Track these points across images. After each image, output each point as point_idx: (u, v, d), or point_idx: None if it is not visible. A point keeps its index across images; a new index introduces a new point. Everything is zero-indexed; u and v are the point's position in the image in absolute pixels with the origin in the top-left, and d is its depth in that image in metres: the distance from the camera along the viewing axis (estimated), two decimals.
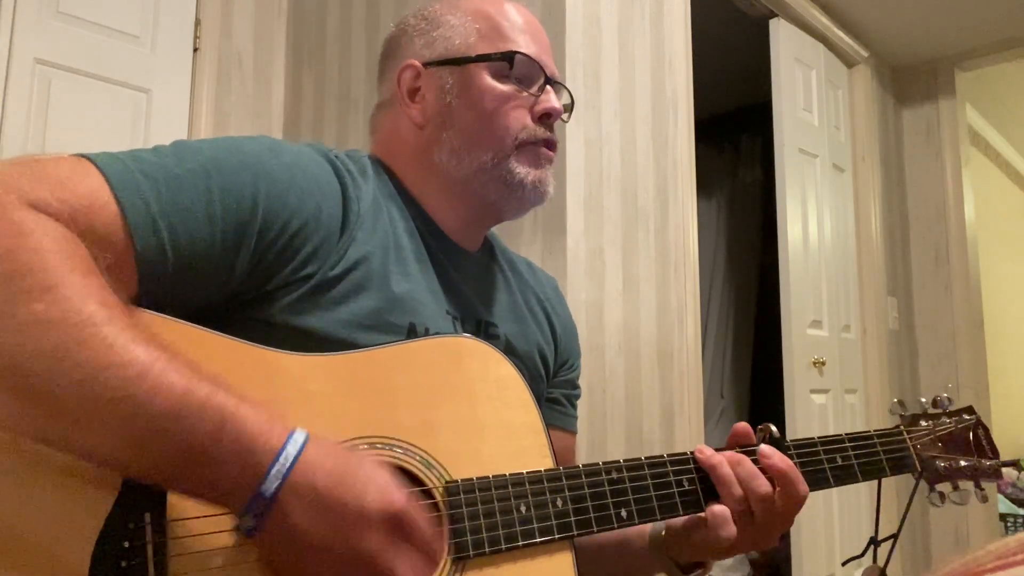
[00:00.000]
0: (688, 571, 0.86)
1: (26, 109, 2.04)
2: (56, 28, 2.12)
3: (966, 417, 0.98)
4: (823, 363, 2.94)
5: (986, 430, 0.98)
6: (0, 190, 0.58)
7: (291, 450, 0.58)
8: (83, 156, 0.65)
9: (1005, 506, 3.92)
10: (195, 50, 2.40)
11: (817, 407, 2.91)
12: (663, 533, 0.86)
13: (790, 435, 1.20)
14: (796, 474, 0.80)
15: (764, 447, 0.82)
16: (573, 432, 1.02)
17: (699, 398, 2.24)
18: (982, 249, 3.75)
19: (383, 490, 0.60)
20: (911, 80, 3.77)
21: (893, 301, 3.50)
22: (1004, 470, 0.96)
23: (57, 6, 2.13)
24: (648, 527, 0.88)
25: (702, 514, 0.80)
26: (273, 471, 0.57)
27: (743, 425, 0.86)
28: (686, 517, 0.83)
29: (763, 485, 0.79)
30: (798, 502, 0.80)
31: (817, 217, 3.07)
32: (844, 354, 3.13)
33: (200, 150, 0.70)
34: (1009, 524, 3.85)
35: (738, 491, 0.79)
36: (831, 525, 2.87)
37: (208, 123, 2.38)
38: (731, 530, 0.78)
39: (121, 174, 0.64)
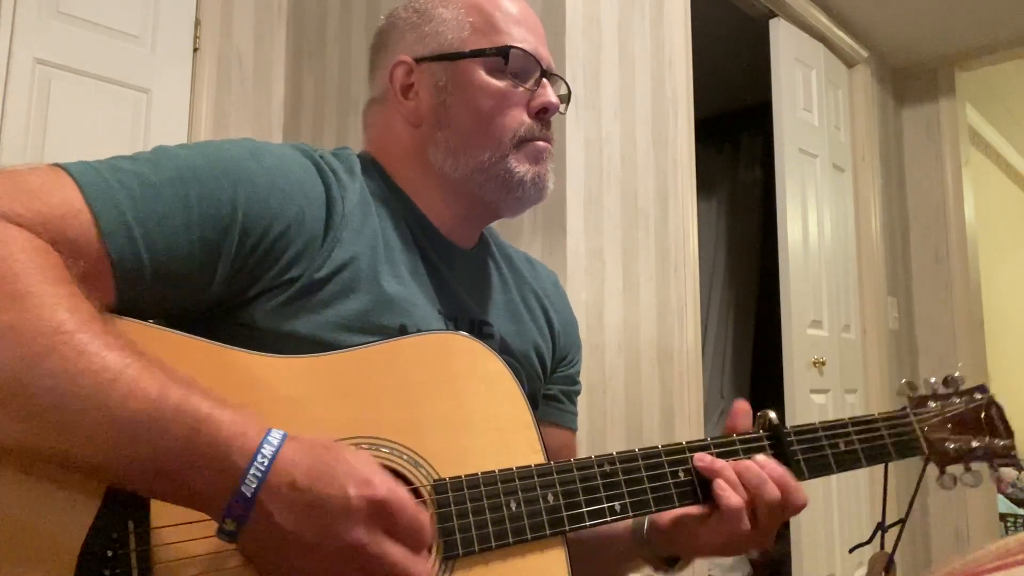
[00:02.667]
0: (671, 563, 0.85)
1: (26, 109, 2.04)
2: (56, 28, 2.12)
3: (977, 396, 0.95)
4: (823, 363, 2.94)
5: (1000, 409, 0.94)
6: None
7: (267, 450, 0.57)
8: (58, 166, 0.64)
9: (1005, 506, 3.91)
10: (195, 50, 2.40)
11: (817, 407, 2.91)
12: (645, 526, 0.85)
13: None
14: (794, 483, 0.79)
15: (760, 457, 0.80)
16: (572, 429, 1.00)
17: (699, 398, 2.23)
18: (982, 249, 3.75)
19: (364, 480, 0.58)
20: (911, 80, 3.77)
21: (893, 301, 3.50)
22: (1004, 470, 0.94)
23: (57, 6, 2.13)
24: (630, 521, 0.86)
25: (696, 510, 0.79)
26: (250, 473, 0.56)
27: (742, 405, 0.84)
28: (674, 515, 0.82)
29: (772, 491, 0.77)
30: (797, 509, 0.79)
31: (817, 217, 3.07)
32: (844, 354, 3.13)
33: (179, 156, 0.70)
34: (1009, 524, 3.85)
35: (744, 495, 0.77)
36: (831, 524, 2.87)
37: (208, 123, 2.38)
38: (746, 525, 0.76)
39: (95, 183, 0.64)
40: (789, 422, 2.92)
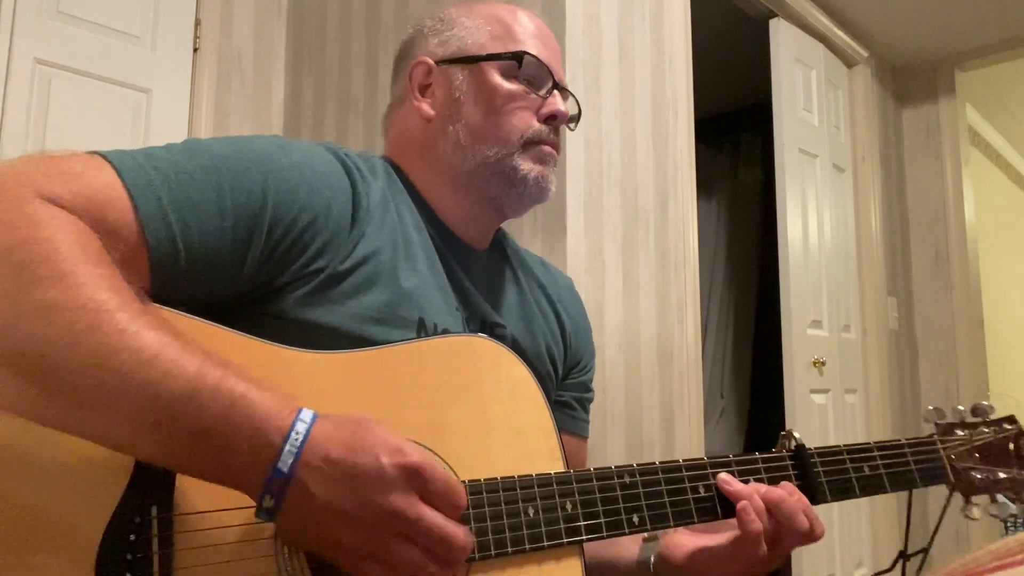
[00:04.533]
0: None
1: (26, 109, 2.04)
2: (56, 28, 2.12)
3: (1007, 427, 0.94)
4: (823, 363, 2.94)
5: None
6: (15, 183, 0.60)
7: (301, 427, 0.58)
8: (96, 153, 0.66)
9: None
10: (195, 50, 2.40)
11: (817, 407, 2.91)
12: (652, 560, 0.85)
13: None
14: (813, 514, 0.79)
15: (787, 485, 0.80)
16: (584, 437, 1.01)
17: (699, 398, 2.23)
18: (982, 249, 3.75)
19: (396, 448, 0.60)
20: (911, 80, 3.77)
21: (893, 301, 3.50)
22: None
23: (57, 6, 2.13)
24: (636, 552, 0.87)
25: (712, 543, 0.80)
26: (286, 449, 0.57)
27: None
28: (688, 549, 0.82)
29: (803, 522, 0.77)
30: (815, 540, 0.80)
31: (817, 217, 3.07)
32: (844, 354, 3.13)
33: (211, 147, 0.72)
34: (1009, 524, 3.84)
35: (768, 523, 0.77)
36: (831, 525, 2.87)
37: (208, 123, 2.38)
38: (764, 549, 0.77)
39: (133, 169, 0.65)
40: (789, 422, 2.91)
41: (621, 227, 2.03)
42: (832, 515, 2.88)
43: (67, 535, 0.56)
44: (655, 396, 2.08)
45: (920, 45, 3.58)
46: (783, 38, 2.99)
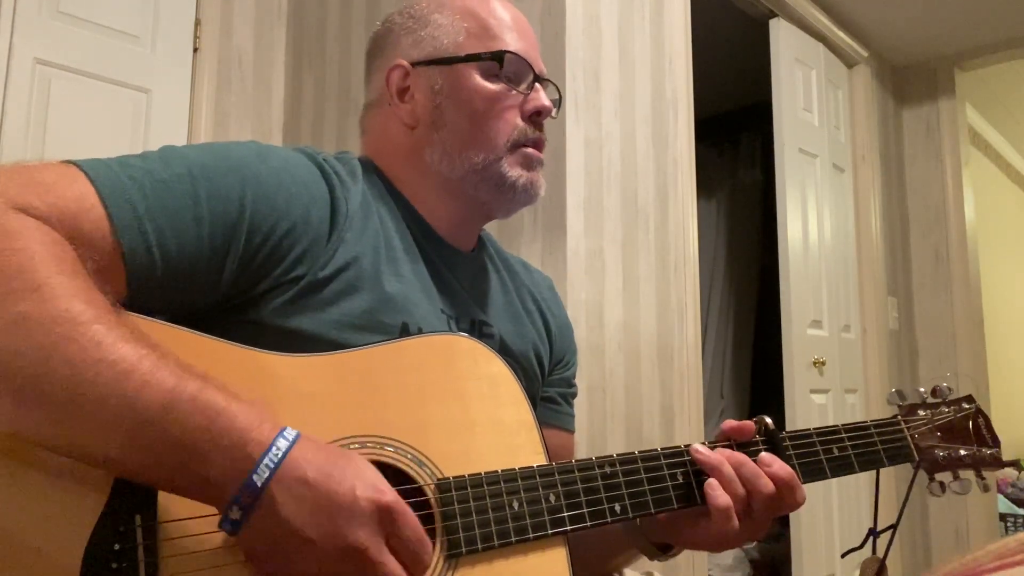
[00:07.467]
0: (665, 550, 0.86)
1: (26, 109, 2.04)
2: (56, 28, 2.12)
3: (965, 406, 0.97)
4: (823, 363, 2.94)
5: (986, 419, 0.97)
6: None
7: (282, 443, 0.58)
8: (70, 162, 0.65)
9: (1005, 506, 3.91)
10: (195, 50, 2.40)
11: (817, 407, 2.91)
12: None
13: None
14: (795, 481, 0.80)
15: (765, 455, 0.81)
16: (571, 431, 1.02)
17: (699, 398, 2.24)
18: (982, 249, 3.75)
19: (372, 484, 0.60)
20: (911, 80, 3.77)
21: (893, 301, 3.50)
22: (1003, 470, 0.96)
23: (57, 6, 2.13)
24: None
25: (697, 507, 0.80)
26: (263, 462, 0.57)
27: (732, 424, 0.85)
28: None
29: (767, 485, 0.78)
30: (795, 506, 0.80)
31: (817, 217, 3.07)
32: (844, 354, 3.13)
33: (187, 155, 0.71)
34: (1009, 524, 3.85)
35: (740, 490, 0.78)
36: (831, 524, 2.87)
37: (208, 123, 2.38)
38: (735, 524, 0.77)
39: (107, 178, 0.65)
40: (789, 422, 2.91)
41: (621, 227, 2.03)
42: (833, 514, 2.89)
43: (51, 545, 0.56)
44: (655, 396, 2.08)
45: (920, 45, 3.58)
46: (783, 38, 2.99)
